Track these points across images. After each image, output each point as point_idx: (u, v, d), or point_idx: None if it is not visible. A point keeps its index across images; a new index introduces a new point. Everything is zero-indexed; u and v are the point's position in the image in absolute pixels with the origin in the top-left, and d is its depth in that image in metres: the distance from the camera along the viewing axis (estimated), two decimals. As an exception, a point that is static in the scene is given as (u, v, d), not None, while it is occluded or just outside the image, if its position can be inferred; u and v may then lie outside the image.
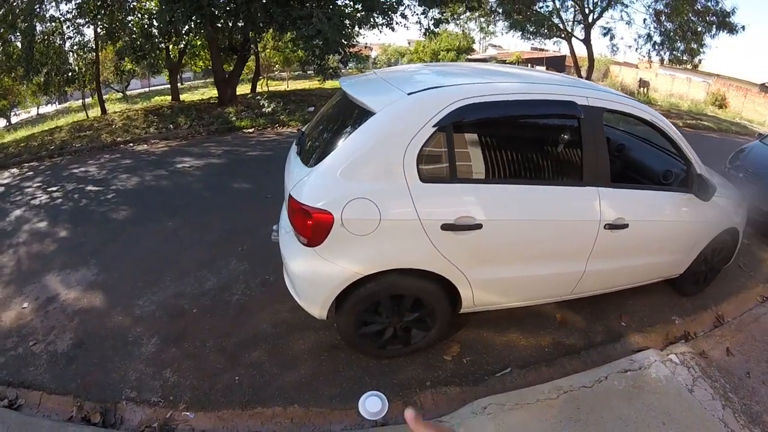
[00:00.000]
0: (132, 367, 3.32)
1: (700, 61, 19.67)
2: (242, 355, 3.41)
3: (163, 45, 15.85)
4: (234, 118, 12.67)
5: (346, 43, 12.13)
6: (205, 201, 6.62)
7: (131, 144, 10.75)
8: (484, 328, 3.75)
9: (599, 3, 19.43)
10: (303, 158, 3.03)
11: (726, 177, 6.96)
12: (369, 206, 2.60)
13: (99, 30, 14.96)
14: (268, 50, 22.04)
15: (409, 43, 42.49)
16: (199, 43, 17.96)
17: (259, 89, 20.92)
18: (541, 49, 33.20)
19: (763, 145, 7.85)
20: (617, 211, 3.25)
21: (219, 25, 13.80)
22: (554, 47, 22.74)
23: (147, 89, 34.13)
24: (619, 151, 4.61)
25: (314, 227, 2.61)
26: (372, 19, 13.36)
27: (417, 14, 15.07)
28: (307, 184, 2.70)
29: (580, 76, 21.50)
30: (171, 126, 12.10)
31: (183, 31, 14.40)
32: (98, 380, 3.21)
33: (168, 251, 4.97)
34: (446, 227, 2.74)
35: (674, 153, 3.91)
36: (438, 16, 15.22)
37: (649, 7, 18.82)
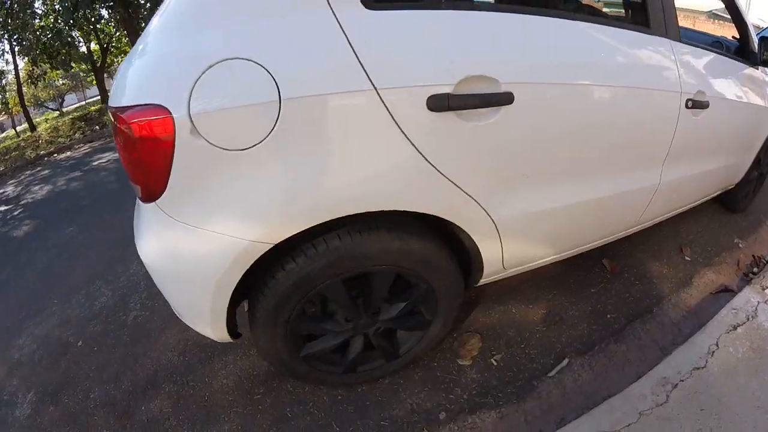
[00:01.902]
0: (4, 444, 2.26)
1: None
2: (137, 409, 2.15)
3: (72, 39, 14.27)
4: (160, 107, 11.56)
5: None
6: (114, 195, 5.82)
7: (55, 154, 10.09)
8: (509, 300, 2.51)
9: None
10: None
11: None
12: (250, 74, 1.20)
13: (14, 44, 13.51)
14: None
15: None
16: (117, 33, 16.47)
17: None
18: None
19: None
20: (697, 80, 2.11)
21: (131, 9, 12.13)
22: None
23: (83, 102, 32.48)
24: None
25: (140, 149, 1.23)
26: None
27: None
28: (130, 65, 1.33)
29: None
30: (97, 127, 11.45)
31: (92, 18, 12.85)
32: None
33: (61, 264, 3.97)
34: (438, 103, 1.36)
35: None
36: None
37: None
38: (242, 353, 2.33)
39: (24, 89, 17.35)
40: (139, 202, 1.53)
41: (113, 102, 1.29)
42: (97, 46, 16.76)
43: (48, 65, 15.69)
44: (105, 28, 15.68)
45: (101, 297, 3.17)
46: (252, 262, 1.38)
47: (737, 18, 2.73)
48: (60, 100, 29.20)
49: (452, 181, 1.46)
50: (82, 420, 2.20)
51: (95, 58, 17.42)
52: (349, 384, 2.05)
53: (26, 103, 16.88)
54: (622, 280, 2.73)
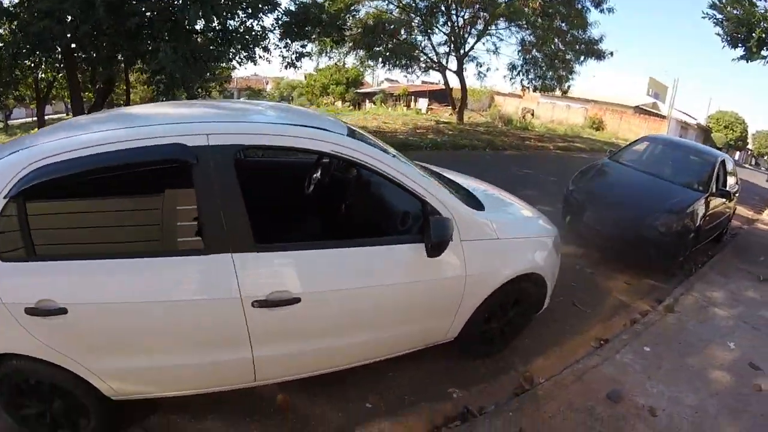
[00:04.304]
0: None
1: (569, 87, 20.78)
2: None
3: (13, 76, 14.68)
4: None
5: (198, 78, 11.56)
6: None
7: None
8: (180, 411, 3.11)
9: (470, 36, 20.16)
10: None
11: (567, 199, 6.90)
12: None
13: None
14: (140, 85, 21.19)
15: (304, 78, 42.62)
16: (59, 75, 16.83)
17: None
18: (429, 83, 34.63)
19: (612, 163, 7.37)
20: (273, 283, 2.71)
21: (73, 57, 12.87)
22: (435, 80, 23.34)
23: (31, 119, 32.07)
24: (357, 193, 3.88)
25: None
26: (231, 53, 12.98)
27: (279, 47, 14.78)
28: None
29: (455, 107, 22.34)
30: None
31: (31, 65, 13.48)
32: None
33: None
34: (30, 312, 2.46)
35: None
36: (300, 50, 15.15)
37: (521, 40, 19.73)
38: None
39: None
40: None
41: None
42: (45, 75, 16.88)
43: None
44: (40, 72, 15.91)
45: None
46: None
47: (415, 196, 2.98)
48: (8, 112, 28.83)
49: (48, 345, 2.52)
50: None
51: (41, 86, 17.69)
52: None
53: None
54: (284, 416, 3.13)
